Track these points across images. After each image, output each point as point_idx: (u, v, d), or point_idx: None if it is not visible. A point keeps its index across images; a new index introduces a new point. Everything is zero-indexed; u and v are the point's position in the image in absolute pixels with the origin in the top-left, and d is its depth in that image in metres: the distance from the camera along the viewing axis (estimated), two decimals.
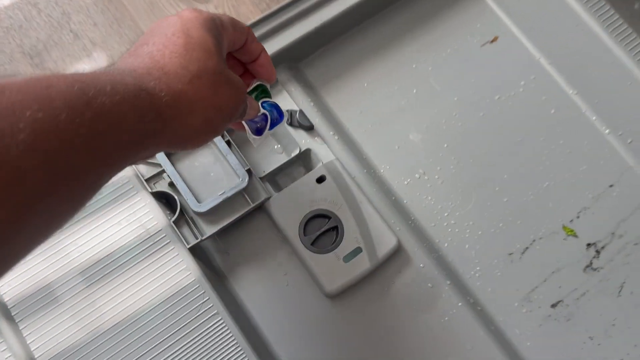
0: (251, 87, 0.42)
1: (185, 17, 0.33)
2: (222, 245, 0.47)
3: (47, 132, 0.23)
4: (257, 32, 0.51)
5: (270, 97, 0.45)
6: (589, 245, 0.50)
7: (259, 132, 0.44)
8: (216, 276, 0.46)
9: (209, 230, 0.46)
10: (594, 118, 0.53)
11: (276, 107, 0.44)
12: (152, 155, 0.34)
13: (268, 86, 0.46)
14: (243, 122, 0.41)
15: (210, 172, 0.47)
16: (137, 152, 0.29)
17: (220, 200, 0.45)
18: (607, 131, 0.53)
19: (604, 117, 0.53)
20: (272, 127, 0.44)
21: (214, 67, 0.32)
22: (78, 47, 0.59)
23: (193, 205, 0.45)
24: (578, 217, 0.51)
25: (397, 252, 0.47)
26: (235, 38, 0.36)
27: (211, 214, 0.46)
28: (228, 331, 0.43)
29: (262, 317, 0.46)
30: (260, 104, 0.44)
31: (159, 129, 0.29)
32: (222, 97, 0.33)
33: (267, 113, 0.44)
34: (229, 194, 0.46)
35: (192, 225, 0.46)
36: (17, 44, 0.60)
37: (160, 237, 0.44)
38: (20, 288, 0.42)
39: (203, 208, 0.45)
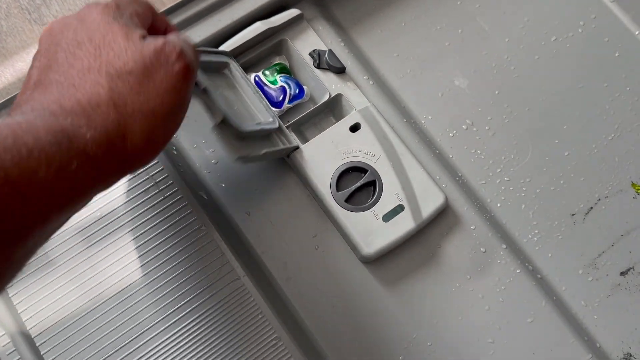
0: (271, 65, 0.42)
1: (86, 17, 0.28)
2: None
3: None
4: None
5: (289, 74, 0.43)
6: None
7: (277, 105, 0.41)
8: (236, 238, 0.40)
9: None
10: None
11: (296, 82, 0.42)
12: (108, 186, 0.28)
13: (287, 64, 0.43)
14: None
15: (234, 106, 0.39)
16: (73, 203, 0.24)
17: (257, 128, 0.38)
18: None
19: None
20: (291, 101, 0.42)
21: (128, 59, 0.27)
22: (80, 1, 0.53)
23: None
24: None
25: (445, 211, 0.41)
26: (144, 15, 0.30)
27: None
28: (251, 299, 0.37)
29: (289, 285, 0.40)
30: (278, 77, 0.42)
31: (94, 173, 0.25)
32: (152, 94, 0.27)
33: (285, 86, 0.41)
34: (264, 127, 0.38)
35: None
36: None
37: (172, 191, 0.38)
38: None
39: None
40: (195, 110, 0.36)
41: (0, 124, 0.23)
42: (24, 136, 0.22)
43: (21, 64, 0.52)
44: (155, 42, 0.28)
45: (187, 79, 0.28)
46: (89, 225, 0.37)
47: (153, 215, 0.38)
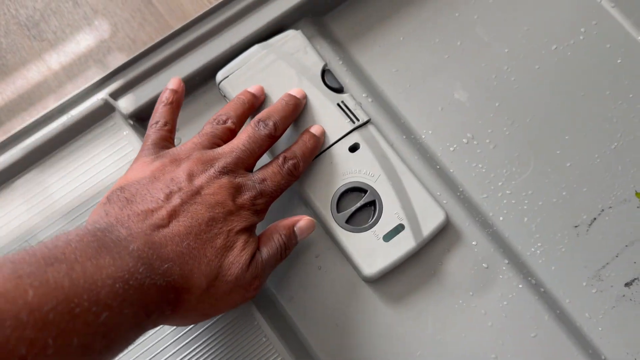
0: None
1: (230, 217, 0.34)
2: None
3: None
4: None
5: None
6: None
7: None
8: None
9: None
10: None
11: None
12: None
13: None
14: None
15: None
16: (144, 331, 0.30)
17: None
18: None
19: None
20: None
21: (232, 275, 0.32)
22: (78, 16, 0.53)
23: None
24: None
25: (446, 228, 0.41)
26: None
27: None
28: (255, 322, 0.37)
29: (292, 305, 0.40)
30: None
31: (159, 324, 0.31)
32: (223, 306, 0.34)
33: None
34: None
35: None
36: (13, 14, 0.54)
37: None
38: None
39: None
40: None
41: (121, 271, 0.27)
42: (135, 302, 0.27)
43: (21, 80, 0.52)
44: (254, 266, 0.33)
45: (246, 302, 0.35)
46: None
47: None
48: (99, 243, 0.27)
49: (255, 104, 0.40)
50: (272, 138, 0.37)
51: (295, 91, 0.41)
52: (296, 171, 0.37)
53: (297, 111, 0.40)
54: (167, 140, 0.37)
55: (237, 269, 0.32)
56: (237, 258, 0.32)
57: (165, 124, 0.37)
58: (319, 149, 0.40)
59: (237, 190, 0.34)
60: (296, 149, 0.38)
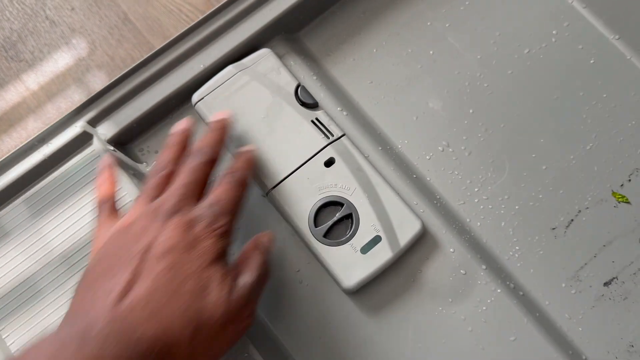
0: None
1: (193, 247, 0.33)
2: None
3: None
4: (247, 1, 0.46)
5: None
6: None
7: None
8: None
9: None
10: None
11: None
12: None
13: None
14: None
15: None
16: None
17: None
18: None
19: None
20: None
21: (216, 311, 0.31)
22: (56, 35, 0.52)
23: None
24: (629, 180, 0.44)
25: (423, 237, 0.42)
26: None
27: None
28: None
29: (275, 319, 0.41)
30: None
31: None
32: (217, 345, 0.32)
33: None
34: None
35: None
36: None
37: None
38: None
39: None
40: None
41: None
42: None
43: (0, 102, 0.52)
44: (239, 295, 0.33)
45: (246, 332, 0.34)
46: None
47: None
48: (62, 340, 0.28)
49: (189, 135, 0.39)
50: (211, 162, 0.37)
51: (217, 114, 0.40)
52: (242, 179, 0.37)
53: (226, 131, 0.39)
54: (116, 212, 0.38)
55: (221, 305, 0.31)
56: (216, 294, 0.31)
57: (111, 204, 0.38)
58: (253, 158, 0.40)
59: (190, 225, 0.33)
60: (234, 162, 0.38)
